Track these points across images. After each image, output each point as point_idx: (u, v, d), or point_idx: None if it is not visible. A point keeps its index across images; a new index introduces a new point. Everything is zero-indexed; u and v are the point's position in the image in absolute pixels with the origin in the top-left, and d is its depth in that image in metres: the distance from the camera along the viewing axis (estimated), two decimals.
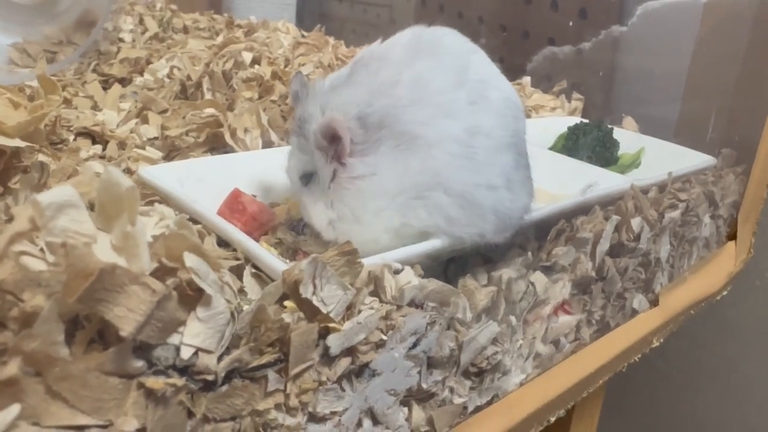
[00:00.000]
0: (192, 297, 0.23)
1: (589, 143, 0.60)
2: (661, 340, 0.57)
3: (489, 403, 0.39)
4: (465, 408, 0.37)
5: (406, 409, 0.34)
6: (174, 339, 0.23)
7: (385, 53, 0.36)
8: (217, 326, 0.24)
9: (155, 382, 0.22)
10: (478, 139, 0.36)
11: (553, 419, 0.46)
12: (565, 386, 0.45)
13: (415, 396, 0.34)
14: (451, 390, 0.36)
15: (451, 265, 0.39)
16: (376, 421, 0.32)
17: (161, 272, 0.22)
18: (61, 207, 0.19)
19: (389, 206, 0.35)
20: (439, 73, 0.35)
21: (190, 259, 0.22)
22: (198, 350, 0.23)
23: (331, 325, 0.28)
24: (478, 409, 0.38)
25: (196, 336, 0.23)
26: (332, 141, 0.35)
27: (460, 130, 0.35)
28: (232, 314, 0.24)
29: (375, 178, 0.35)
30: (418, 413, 0.34)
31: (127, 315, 0.21)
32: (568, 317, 0.45)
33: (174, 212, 0.32)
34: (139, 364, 0.22)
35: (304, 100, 0.37)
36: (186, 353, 0.23)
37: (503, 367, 0.39)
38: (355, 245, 0.33)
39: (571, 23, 0.76)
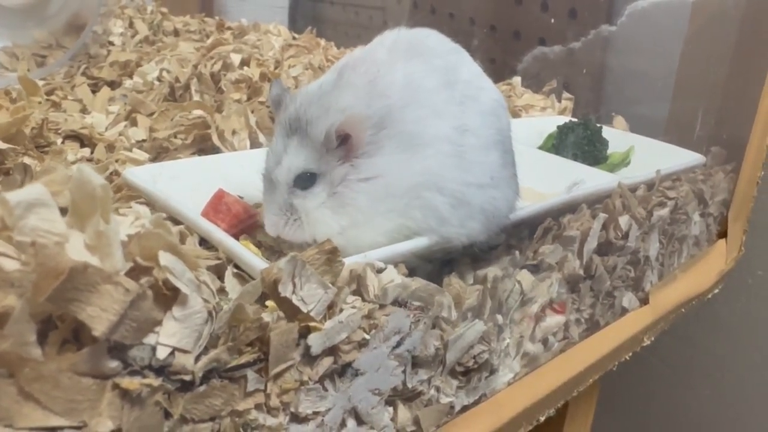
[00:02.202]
0: (168, 296, 0.23)
1: (578, 142, 0.60)
2: (652, 339, 0.57)
3: (477, 402, 0.39)
4: (452, 407, 0.37)
5: (391, 409, 0.33)
6: (150, 339, 0.23)
7: (371, 55, 0.36)
8: (194, 326, 0.23)
9: (130, 383, 0.22)
10: (467, 137, 0.36)
11: (542, 418, 0.45)
12: (554, 385, 0.44)
13: (400, 395, 0.34)
14: (438, 389, 0.36)
15: (446, 265, 0.39)
16: (360, 421, 0.31)
17: (136, 271, 0.22)
18: (31, 206, 0.19)
19: (395, 208, 0.35)
20: (427, 74, 0.36)
21: (165, 258, 0.22)
22: (174, 350, 0.23)
23: (312, 324, 0.27)
24: (465, 408, 0.38)
25: (173, 336, 0.23)
26: (344, 141, 0.34)
27: (451, 130, 0.35)
28: (209, 313, 0.24)
29: (383, 179, 0.35)
30: (404, 413, 0.34)
31: (99, 315, 0.20)
32: (558, 316, 0.45)
33: (150, 211, 0.32)
34: (114, 364, 0.22)
35: (289, 104, 0.36)
36: (162, 353, 0.22)
37: (491, 366, 0.39)
38: (360, 250, 0.33)
39: (552, 21, 0.76)
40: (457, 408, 0.37)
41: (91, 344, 0.21)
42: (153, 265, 0.22)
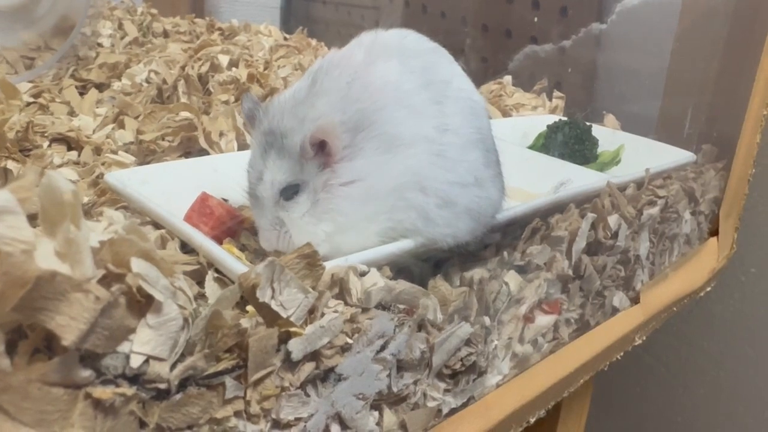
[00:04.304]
0: (142, 303, 0.22)
1: (568, 141, 0.59)
2: (644, 338, 0.56)
3: (465, 404, 0.39)
4: (440, 410, 0.37)
5: (376, 413, 0.33)
6: (123, 347, 0.22)
7: (347, 59, 0.35)
8: (169, 333, 0.23)
9: (103, 392, 0.21)
10: (447, 137, 0.35)
11: (533, 420, 0.45)
12: (544, 386, 0.44)
13: (385, 399, 0.33)
14: (425, 392, 0.35)
15: (439, 267, 0.39)
16: (344, 426, 0.31)
17: (108, 279, 0.22)
18: None
19: (380, 210, 0.35)
20: (405, 74, 0.35)
21: (137, 265, 0.22)
22: (149, 358, 0.23)
23: (292, 329, 0.27)
24: (453, 411, 0.38)
25: (147, 343, 0.22)
26: (320, 148, 0.34)
27: (431, 129, 0.35)
28: (186, 320, 0.24)
29: (363, 182, 0.34)
30: (390, 417, 0.34)
31: (69, 323, 0.20)
32: (548, 317, 0.45)
33: (125, 216, 0.31)
34: (87, 373, 0.21)
35: (263, 117, 0.36)
36: (136, 361, 0.22)
37: (478, 369, 0.39)
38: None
39: (542, 19, 0.75)
40: (445, 411, 0.37)
41: (62, 354, 0.21)
42: (125, 271, 0.22)
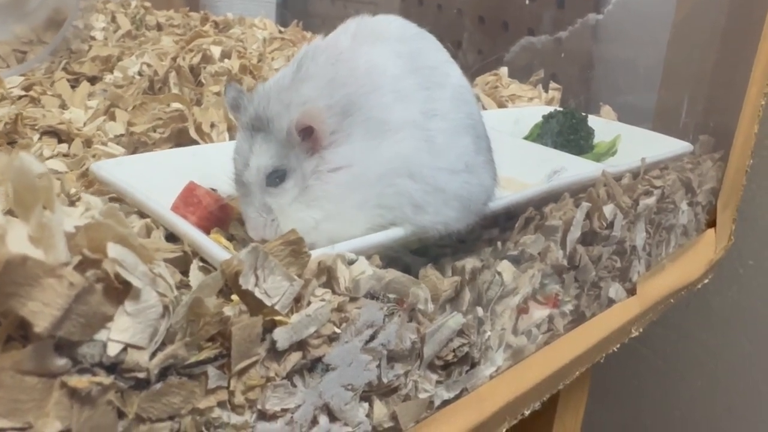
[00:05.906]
0: (120, 290, 0.22)
1: (563, 131, 0.59)
2: (641, 330, 0.56)
3: (458, 396, 0.38)
4: (432, 402, 0.36)
5: (366, 404, 0.32)
6: (101, 335, 0.22)
7: (332, 44, 0.35)
8: (148, 321, 0.22)
9: (79, 381, 0.21)
10: (435, 122, 0.35)
11: (527, 412, 0.45)
12: (538, 378, 0.44)
13: (375, 391, 0.33)
14: (416, 384, 0.35)
15: (440, 258, 0.38)
16: (333, 418, 0.31)
17: (84, 264, 0.21)
18: None
19: (368, 197, 0.34)
20: (391, 60, 0.35)
21: (114, 250, 0.21)
22: (127, 346, 0.22)
23: (278, 318, 0.26)
24: (446, 402, 0.37)
25: (125, 331, 0.22)
26: (308, 134, 0.34)
27: (419, 114, 0.35)
28: (166, 308, 0.23)
29: (352, 168, 0.34)
30: (380, 408, 0.33)
31: (42, 310, 0.19)
32: (544, 310, 0.44)
33: (102, 202, 0.31)
34: (62, 362, 0.21)
35: (248, 105, 0.35)
36: (113, 350, 0.22)
37: (471, 360, 0.38)
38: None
39: (528, 1, 0.75)
40: (437, 403, 0.37)
41: (36, 341, 0.20)
42: (102, 257, 0.21)
